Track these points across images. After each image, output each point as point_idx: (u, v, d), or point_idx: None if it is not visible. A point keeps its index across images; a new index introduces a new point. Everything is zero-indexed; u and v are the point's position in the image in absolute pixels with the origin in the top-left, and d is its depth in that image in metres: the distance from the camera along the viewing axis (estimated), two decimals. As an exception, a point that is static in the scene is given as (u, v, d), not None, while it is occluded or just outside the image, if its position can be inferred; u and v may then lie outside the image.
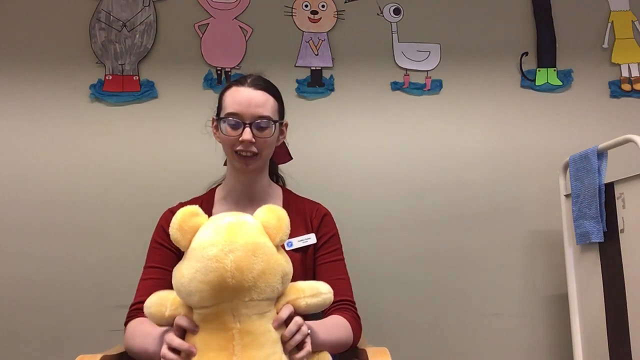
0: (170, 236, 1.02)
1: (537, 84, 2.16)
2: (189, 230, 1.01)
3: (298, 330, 1.00)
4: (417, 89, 2.12)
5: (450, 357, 1.99)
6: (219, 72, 2.08)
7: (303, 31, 2.13)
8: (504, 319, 2.01)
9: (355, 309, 1.30)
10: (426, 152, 2.09)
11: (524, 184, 2.09)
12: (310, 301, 1.04)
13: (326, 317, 1.24)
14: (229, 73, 2.08)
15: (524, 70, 2.16)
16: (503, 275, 2.03)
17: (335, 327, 1.19)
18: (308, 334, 1.02)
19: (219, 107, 1.33)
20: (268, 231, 1.02)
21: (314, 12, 2.14)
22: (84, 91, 2.02)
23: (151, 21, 2.09)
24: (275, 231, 1.02)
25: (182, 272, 0.98)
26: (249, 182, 1.34)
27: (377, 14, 2.16)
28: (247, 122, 1.25)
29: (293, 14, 2.14)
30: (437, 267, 2.02)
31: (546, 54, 2.17)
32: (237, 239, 0.96)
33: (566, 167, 1.93)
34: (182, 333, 0.99)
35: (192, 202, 1.38)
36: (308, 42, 2.12)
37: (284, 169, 1.54)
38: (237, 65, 2.09)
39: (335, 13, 2.15)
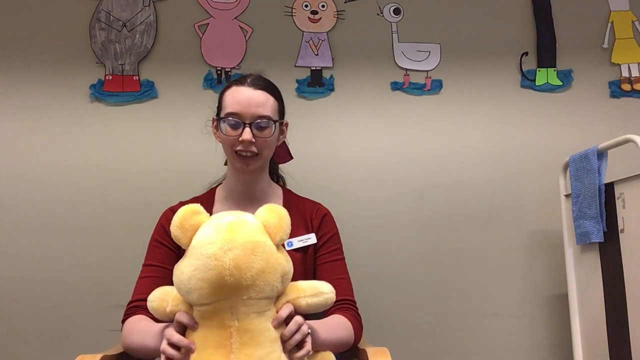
0: (171, 234, 1.02)
1: (537, 84, 2.16)
2: (189, 228, 1.01)
3: (298, 329, 1.00)
4: (417, 89, 2.13)
5: (450, 357, 1.99)
6: (219, 72, 2.08)
7: (303, 31, 2.13)
8: (504, 319, 2.01)
9: (356, 308, 1.30)
10: (426, 152, 2.09)
11: (524, 184, 2.09)
12: (311, 301, 1.04)
13: (327, 316, 1.24)
14: (229, 73, 2.08)
15: (524, 70, 2.16)
16: (503, 275, 2.03)
17: (336, 327, 1.19)
18: (308, 333, 1.02)
19: (219, 107, 1.32)
20: (268, 230, 1.02)
21: (314, 12, 2.14)
22: (84, 91, 2.02)
23: (151, 21, 2.09)
24: (276, 230, 1.02)
25: (182, 270, 0.98)
26: (249, 182, 1.34)
27: (377, 14, 2.16)
28: (247, 122, 1.25)
29: (293, 14, 2.14)
30: (437, 267, 2.02)
31: (546, 54, 2.18)
32: (236, 237, 0.97)
33: (566, 167, 1.93)
34: (183, 329, 0.99)
35: (192, 201, 1.37)
36: (308, 42, 2.12)
37: (284, 168, 1.54)
38: (237, 65, 2.09)
39: (335, 13, 2.15)
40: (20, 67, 2.02)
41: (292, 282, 1.06)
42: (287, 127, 1.40)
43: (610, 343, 1.68)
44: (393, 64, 2.14)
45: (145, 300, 1.08)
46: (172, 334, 0.97)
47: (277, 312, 1.01)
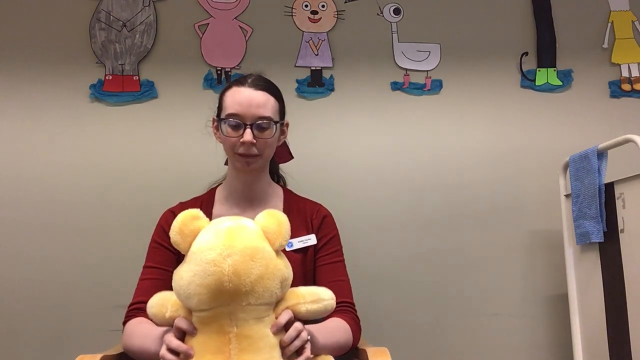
0: (171, 239, 1.02)
1: (537, 84, 2.16)
2: (189, 234, 1.01)
3: (297, 336, 0.99)
4: (417, 89, 2.13)
5: (450, 357, 1.99)
6: (219, 72, 2.08)
7: (303, 31, 2.13)
8: (504, 319, 2.01)
9: (355, 310, 1.30)
10: (426, 152, 2.09)
11: (524, 184, 2.09)
12: (310, 307, 1.04)
13: (326, 319, 1.23)
14: (229, 73, 2.08)
15: (524, 70, 2.16)
16: (503, 275, 2.03)
17: (335, 331, 1.19)
18: (308, 340, 1.02)
19: (219, 108, 1.32)
20: (268, 236, 1.02)
21: (314, 12, 2.14)
22: (84, 91, 2.02)
23: (151, 21, 2.09)
24: (275, 236, 1.02)
25: (181, 275, 0.98)
26: (250, 182, 1.34)
27: (377, 14, 2.16)
28: (248, 123, 1.25)
29: (293, 14, 2.14)
30: (437, 267, 2.02)
31: (546, 54, 2.17)
32: (235, 243, 0.97)
33: (566, 167, 1.93)
34: (182, 334, 0.99)
35: (192, 201, 1.38)
36: (308, 42, 2.12)
37: (283, 168, 1.54)
38: (237, 65, 2.09)
39: (335, 13, 2.15)
40: (20, 67, 2.02)
41: (292, 288, 1.06)
42: (287, 127, 1.39)
43: (610, 343, 1.68)
44: (393, 64, 2.14)
45: (146, 302, 1.07)
46: (171, 340, 0.97)
47: (276, 318, 1.00)
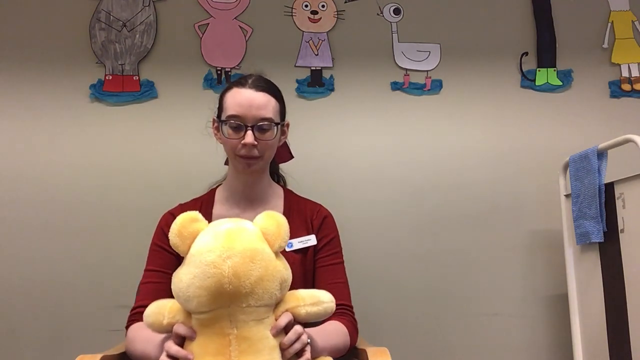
0: (170, 242, 1.02)
1: (537, 84, 2.16)
2: (188, 236, 1.01)
3: (297, 339, 0.99)
4: (417, 89, 2.12)
5: (450, 357, 1.99)
6: (219, 72, 2.08)
7: (303, 31, 2.13)
8: (504, 319, 2.01)
9: (353, 313, 1.30)
10: (426, 152, 2.09)
11: (524, 184, 2.09)
12: (310, 310, 1.04)
13: (324, 322, 1.23)
14: (229, 73, 2.08)
15: (524, 70, 2.16)
16: (503, 275, 2.03)
17: (333, 334, 1.19)
18: (308, 342, 1.02)
19: (220, 109, 1.32)
20: (267, 237, 1.02)
21: (314, 12, 2.14)
22: (84, 91, 2.02)
23: (151, 21, 2.09)
24: (274, 237, 1.02)
25: (181, 278, 0.98)
26: (251, 183, 1.34)
27: (377, 14, 2.16)
28: (249, 124, 1.24)
29: (293, 14, 2.14)
30: (437, 267, 2.02)
31: (546, 54, 2.17)
32: (235, 245, 0.96)
33: (566, 167, 1.93)
34: (181, 340, 0.99)
35: (191, 203, 1.38)
36: (308, 42, 2.12)
37: (283, 168, 1.54)
38: (237, 65, 2.09)
39: (335, 13, 2.15)
40: (20, 67, 2.02)
41: (292, 291, 1.06)
42: (288, 127, 1.39)
43: (610, 343, 1.68)
44: (393, 64, 2.14)
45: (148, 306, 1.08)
46: (170, 346, 0.97)
47: (275, 320, 1.00)
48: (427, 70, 2.14)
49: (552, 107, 2.15)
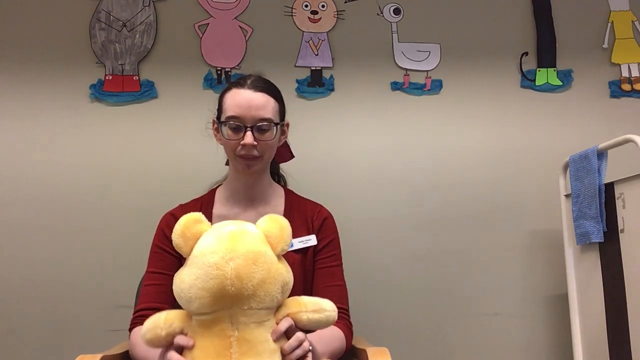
0: (173, 242, 1.02)
1: (537, 84, 2.16)
2: (191, 237, 1.01)
3: (299, 345, 0.99)
4: (417, 89, 2.13)
5: (450, 357, 1.99)
6: (219, 72, 2.08)
7: (303, 31, 2.13)
8: (504, 319, 2.01)
9: (349, 316, 1.30)
10: (426, 152, 2.09)
11: (524, 184, 2.09)
12: (312, 316, 1.03)
13: None
14: (229, 73, 2.08)
15: (524, 70, 2.16)
16: (503, 275, 2.03)
17: (330, 339, 1.19)
18: (309, 350, 1.02)
19: (219, 110, 1.31)
20: (270, 240, 1.02)
21: (314, 12, 2.14)
22: (84, 91, 2.02)
23: (151, 21, 2.09)
24: (277, 240, 1.02)
25: (183, 278, 0.98)
26: (251, 183, 1.34)
27: (377, 14, 2.16)
28: (249, 125, 1.24)
29: (293, 14, 2.14)
30: (437, 267, 2.02)
31: (546, 54, 2.18)
32: (238, 247, 0.97)
33: (566, 167, 1.93)
34: (182, 348, 0.98)
35: (192, 203, 1.38)
36: (308, 42, 2.12)
37: (284, 168, 1.54)
38: (237, 65, 2.09)
39: (335, 13, 2.15)
40: (20, 67, 2.02)
41: (295, 297, 1.06)
42: (288, 127, 1.39)
43: (610, 343, 1.68)
44: (393, 64, 2.14)
45: (151, 309, 1.08)
46: (172, 355, 0.96)
47: (276, 323, 1.00)
48: (427, 70, 2.14)
49: (552, 107, 2.15)
